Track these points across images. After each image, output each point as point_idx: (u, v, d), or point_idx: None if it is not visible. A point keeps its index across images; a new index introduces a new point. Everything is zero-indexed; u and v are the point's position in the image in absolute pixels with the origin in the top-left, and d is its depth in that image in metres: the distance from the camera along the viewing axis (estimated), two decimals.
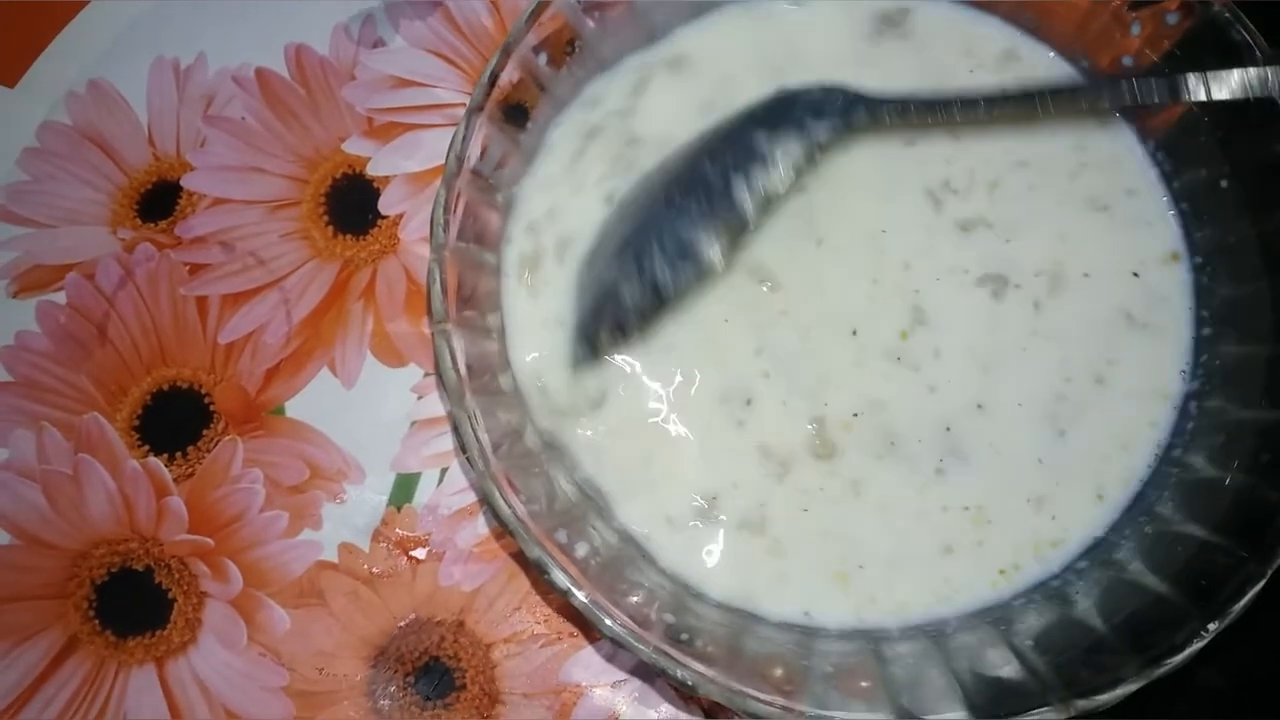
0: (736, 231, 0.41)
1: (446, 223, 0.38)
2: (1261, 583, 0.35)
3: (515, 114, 0.41)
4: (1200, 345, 0.42)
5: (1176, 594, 0.36)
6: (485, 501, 0.45)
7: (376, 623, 0.46)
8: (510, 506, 0.35)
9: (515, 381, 0.41)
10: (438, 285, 0.37)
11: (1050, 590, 0.40)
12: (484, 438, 0.36)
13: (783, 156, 0.41)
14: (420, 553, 0.46)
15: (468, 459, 0.36)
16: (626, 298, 0.40)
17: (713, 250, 0.40)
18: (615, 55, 0.44)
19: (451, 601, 0.46)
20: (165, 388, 0.49)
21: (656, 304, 0.41)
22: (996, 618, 0.39)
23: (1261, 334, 0.40)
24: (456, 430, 0.36)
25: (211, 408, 0.48)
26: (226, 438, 0.48)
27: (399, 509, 0.47)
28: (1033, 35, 0.44)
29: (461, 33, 0.52)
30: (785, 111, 0.42)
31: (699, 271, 0.41)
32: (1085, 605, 0.38)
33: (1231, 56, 0.39)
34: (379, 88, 0.52)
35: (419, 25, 0.52)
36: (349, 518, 0.47)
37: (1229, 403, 0.40)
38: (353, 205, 0.50)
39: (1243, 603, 0.35)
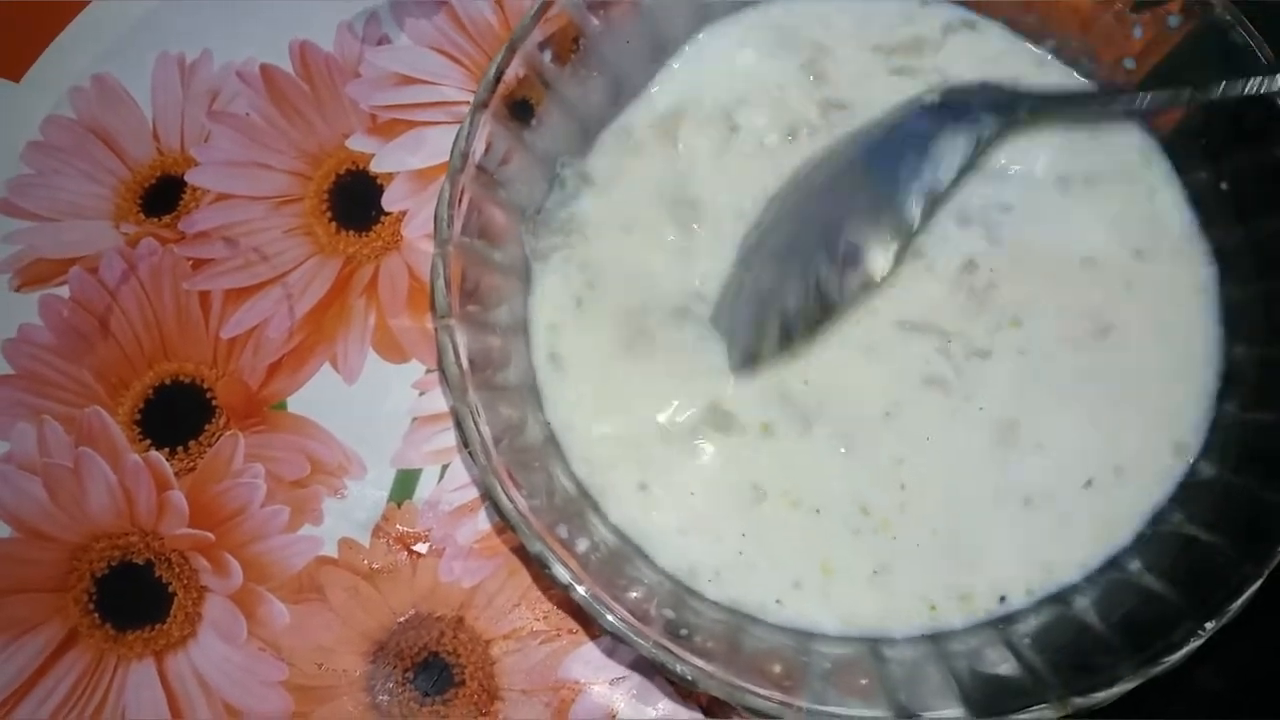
0: (904, 234, 0.40)
1: (450, 218, 0.38)
2: (1258, 583, 0.35)
3: (520, 110, 0.41)
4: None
5: (1174, 594, 0.37)
6: (487, 497, 0.45)
7: (376, 618, 0.46)
8: (512, 501, 0.36)
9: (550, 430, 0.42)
10: (441, 280, 0.37)
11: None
12: (486, 432, 0.36)
13: (950, 155, 0.40)
14: (421, 548, 0.46)
15: (470, 453, 0.36)
16: (792, 305, 0.39)
17: (883, 256, 0.39)
18: (619, 59, 0.44)
19: (451, 597, 0.46)
20: (167, 382, 0.49)
21: (823, 313, 0.40)
22: (996, 618, 0.39)
23: (1262, 337, 0.40)
24: (458, 425, 0.36)
25: (213, 402, 0.49)
26: (228, 432, 0.48)
27: (399, 505, 0.47)
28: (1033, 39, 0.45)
29: (466, 31, 0.52)
30: (950, 110, 0.40)
31: (865, 279, 0.40)
32: (1083, 604, 0.38)
33: (1233, 59, 0.39)
34: (383, 85, 0.52)
35: (423, 23, 0.52)
36: (350, 513, 0.47)
37: (1230, 405, 0.40)
38: (356, 202, 0.51)
39: (1239, 602, 0.35)
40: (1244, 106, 0.39)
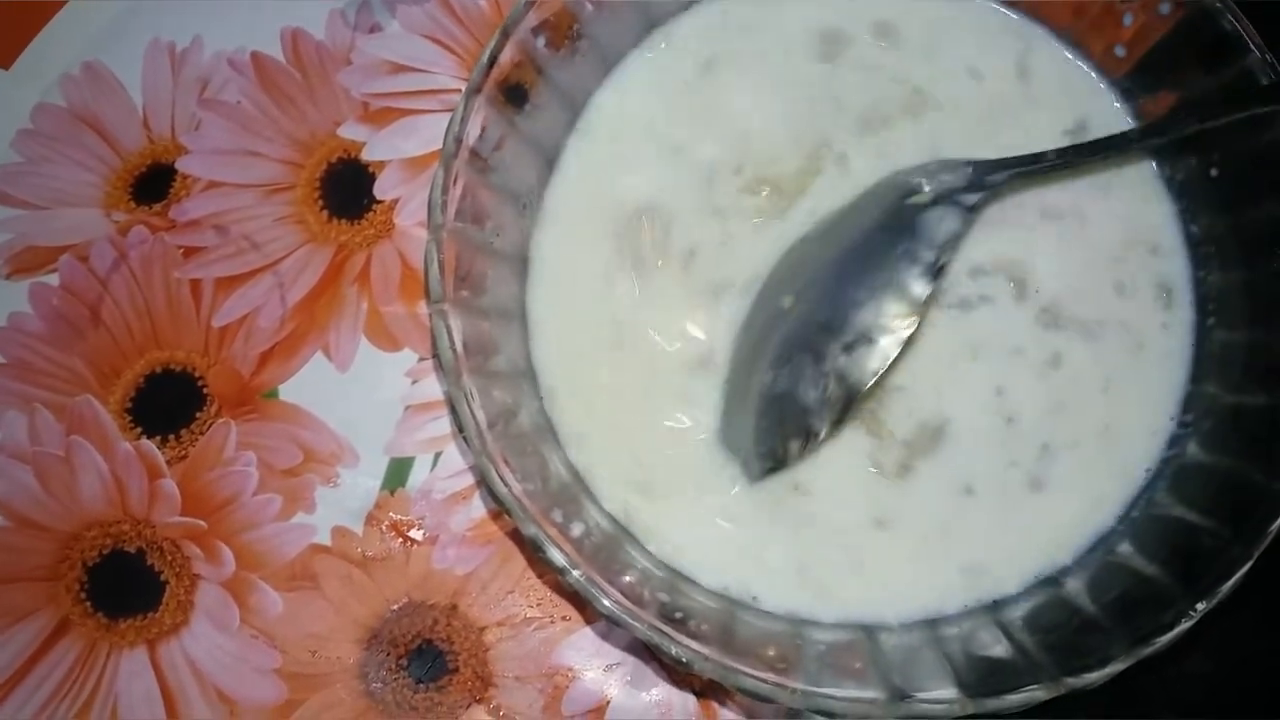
0: (916, 307, 0.39)
1: (444, 203, 0.38)
2: (1248, 565, 0.35)
3: (514, 95, 0.41)
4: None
5: (1165, 575, 0.37)
6: (481, 482, 0.45)
7: (369, 606, 0.46)
8: (507, 485, 0.36)
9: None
10: (435, 265, 0.37)
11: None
12: (480, 416, 0.36)
13: (943, 227, 0.40)
14: (414, 535, 0.46)
15: (464, 438, 0.36)
16: (813, 399, 0.39)
17: (899, 331, 0.39)
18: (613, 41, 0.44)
19: (445, 585, 0.46)
20: (158, 370, 0.49)
21: (847, 400, 0.39)
22: (988, 602, 0.40)
23: (1251, 321, 0.40)
24: (453, 410, 0.36)
25: (205, 391, 0.48)
26: (220, 420, 0.48)
27: (392, 493, 0.47)
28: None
29: (458, 18, 0.52)
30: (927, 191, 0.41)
31: (884, 358, 0.39)
32: (1075, 587, 0.39)
33: (1223, 46, 0.39)
34: (375, 73, 0.52)
35: (415, 11, 0.52)
36: (342, 501, 0.47)
37: (1219, 388, 0.40)
38: (348, 189, 0.50)
39: (1230, 584, 0.35)
40: (1237, 90, 0.39)
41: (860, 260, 0.40)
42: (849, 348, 0.39)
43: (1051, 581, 0.39)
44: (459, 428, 0.36)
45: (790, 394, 0.39)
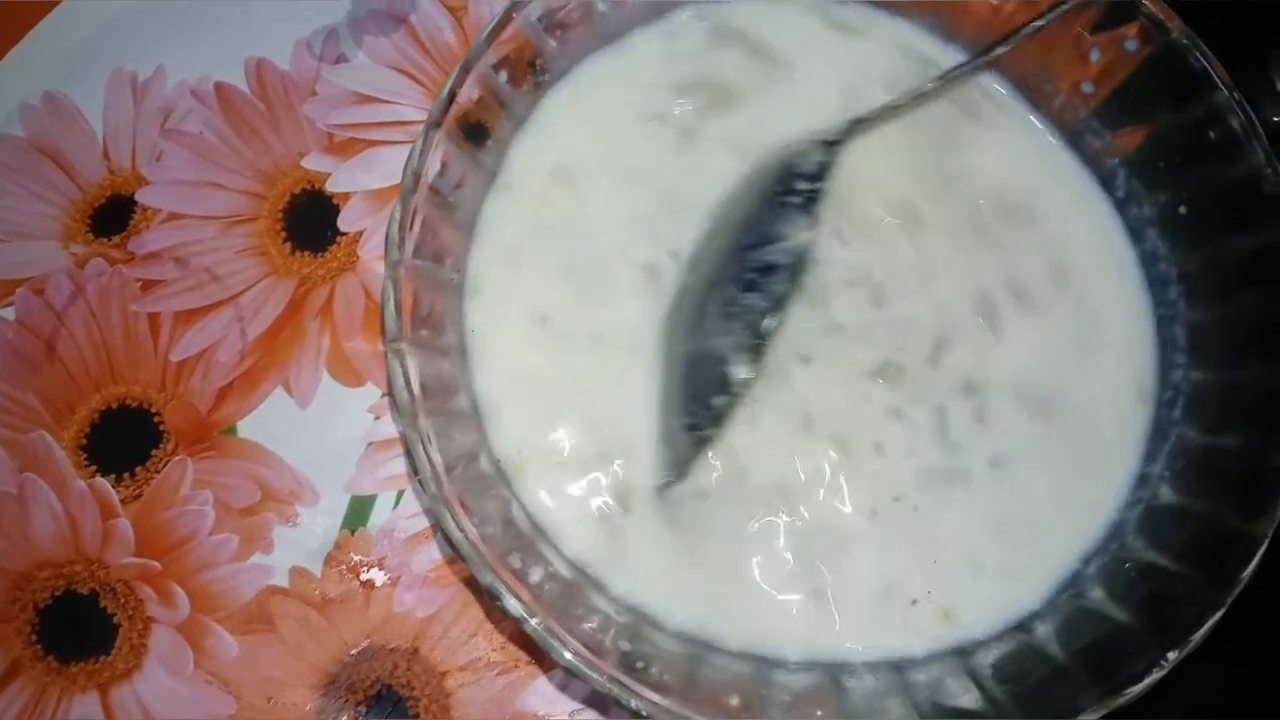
0: (801, 236, 0.41)
1: (402, 239, 0.37)
2: (1221, 611, 0.35)
3: (475, 132, 0.40)
4: (1164, 371, 0.42)
5: (1136, 622, 0.36)
6: (438, 527, 0.44)
7: (327, 650, 0.45)
8: (462, 530, 0.35)
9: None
10: (392, 303, 0.36)
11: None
12: (437, 459, 0.35)
13: (810, 164, 0.41)
14: (376, 576, 0.45)
15: (420, 482, 0.35)
16: (725, 348, 0.39)
17: (787, 262, 0.40)
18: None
19: (405, 628, 0.45)
20: (114, 406, 0.48)
21: (755, 336, 0.39)
22: (956, 646, 0.39)
23: (1223, 360, 0.40)
24: (408, 453, 0.35)
25: (161, 427, 0.47)
26: (176, 458, 0.47)
27: (353, 532, 0.46)
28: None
29: (425, 49, 0.52)
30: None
31: (784, 280, 0.40)
32: (1044, 633, 0.38)
33: (1191, 83, 0.39)
34: (340, 103, 0.51)
35: (382, 41, 0.52)
36: (301, 541, 0.46)
37: (1191, 429, 0.40)
38: (311, 222, 0.50)
39: (1202, 631, 0.34)
40: (1204, 127, 0.39)
41: (747, 219, 0.41)
42: (750, 286, 0.40)
43: (1021, 628, 0.38)
44: (414, 470, 0.35)
45: (702, 353, 0.40)
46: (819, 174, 0.41)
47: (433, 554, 0.46)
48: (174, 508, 0.46)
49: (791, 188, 0.41)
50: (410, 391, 0.36)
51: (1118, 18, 0.40)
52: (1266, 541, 0.35)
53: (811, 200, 0.41)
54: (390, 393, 0.36)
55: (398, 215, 0.37)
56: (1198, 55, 0.39)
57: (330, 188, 0.50)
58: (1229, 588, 0.35)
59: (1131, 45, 0.41)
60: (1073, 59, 0.42)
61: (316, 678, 0.44)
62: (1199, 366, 0.41)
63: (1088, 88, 0.43)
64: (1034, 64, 0.43)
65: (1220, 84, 0.39)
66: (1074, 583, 0.39)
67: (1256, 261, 0.38)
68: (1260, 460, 0.37)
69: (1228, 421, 0.39)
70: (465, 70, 0.38)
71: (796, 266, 0.40)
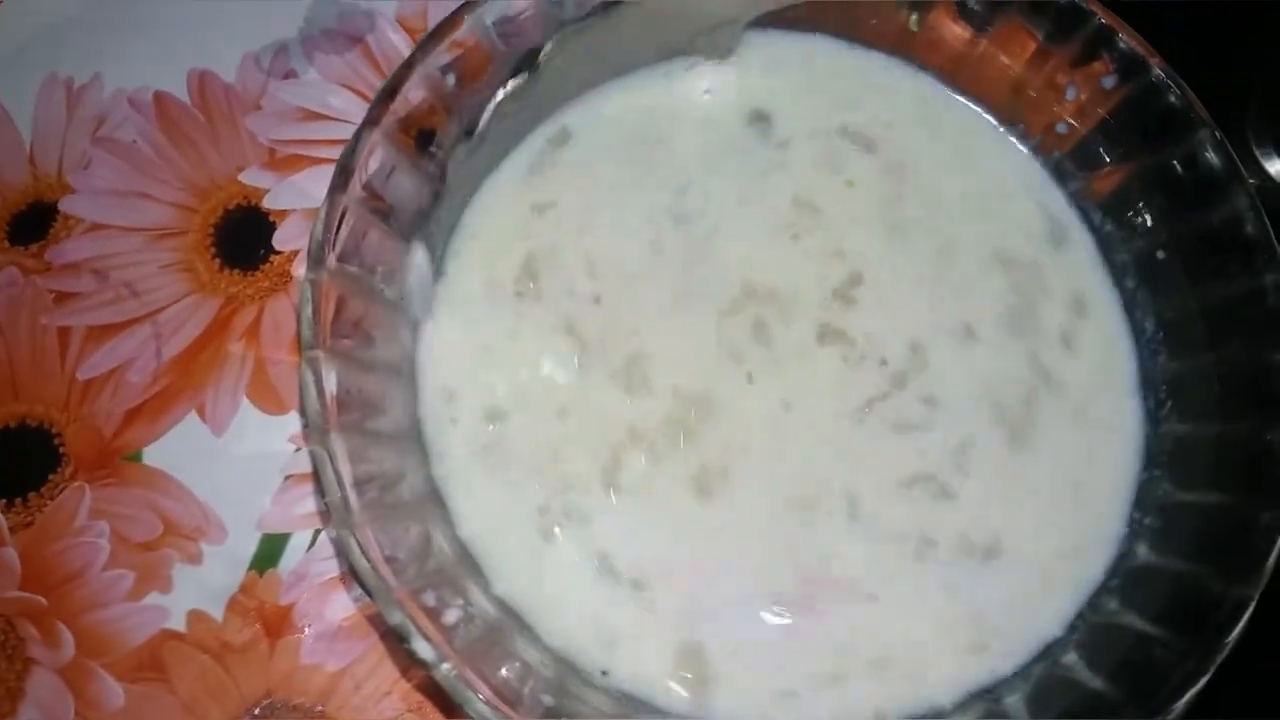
0: None
1: (326, 241, 0.34)
2: (1204, 679, 0.31)
3: (420, 137, 0.38)
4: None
5: (1113, 690, 0.33)
6: (342, 553, 0.40)
7: (224, 705, 0.40)
8: (369, 559, 0.31)
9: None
10: (309, 307, 0.33)
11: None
12: (346, 480, 0.32)
13: None
14: (284, 623, 0.41)
15: (326, 504, 0.31)
16: None
17: None
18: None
19: (313, 683, 0.40)
20: (12, 425, 0.44)
21: None
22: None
23: (1205, 413, 0.37)
24: (316, 473, 0.32)
25: (61, 450, 0.43)
26: (74, 484, 0.43)
27: (261, 574, 0.42)
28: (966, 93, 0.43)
29: (379, 68, 0.49)
30: None
31: None
32: (1014, 703, 0.34)
33: (1169, 120, 0.38)
34: (285, 119, 0.48)
35: (334, 59, 0.50)
36: (204, 581, 0.42)
37: (1172, 485, 0.37)
38: (244, 238, 0.47)
39: (1184, 700, 0.31)
40: (1181, 171, 0.38)
41: None
42: None
43: (988, 694, 0.35)
44: (321, 492, 0.31)
45: None
46: None
47: (348, 602, 0.41)
48: (66, 539, 0.42)
49: None
50: (322, 403, 0.32)
51: (1095, 53, 0.39)
52: (1253, 604, 0.32)
53: None
54: (300, 406, 0.33)
55: (324, 214, 0.34)
56: (1176, 92, 0.37)
57: (267, 204, 0.47)
58: (1213, 653, 0.31)
59: (1109, 82, 0.39)
60: (1048, 97, 0.41)
61: None
62: (1178, 420, 0.38)
63: (1062, 129, 0.41)
64: (1009, 101, 0.42)
65: (1201, 121, 0.37)
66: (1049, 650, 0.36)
67: (1240, 308, 0.36)
68: (1245, 518, 0.34)
69: (1208, 477, 0.36)
70: (409, 67, 0.36)
71: None
